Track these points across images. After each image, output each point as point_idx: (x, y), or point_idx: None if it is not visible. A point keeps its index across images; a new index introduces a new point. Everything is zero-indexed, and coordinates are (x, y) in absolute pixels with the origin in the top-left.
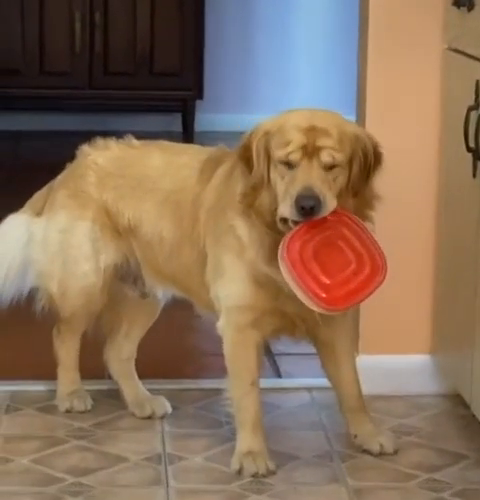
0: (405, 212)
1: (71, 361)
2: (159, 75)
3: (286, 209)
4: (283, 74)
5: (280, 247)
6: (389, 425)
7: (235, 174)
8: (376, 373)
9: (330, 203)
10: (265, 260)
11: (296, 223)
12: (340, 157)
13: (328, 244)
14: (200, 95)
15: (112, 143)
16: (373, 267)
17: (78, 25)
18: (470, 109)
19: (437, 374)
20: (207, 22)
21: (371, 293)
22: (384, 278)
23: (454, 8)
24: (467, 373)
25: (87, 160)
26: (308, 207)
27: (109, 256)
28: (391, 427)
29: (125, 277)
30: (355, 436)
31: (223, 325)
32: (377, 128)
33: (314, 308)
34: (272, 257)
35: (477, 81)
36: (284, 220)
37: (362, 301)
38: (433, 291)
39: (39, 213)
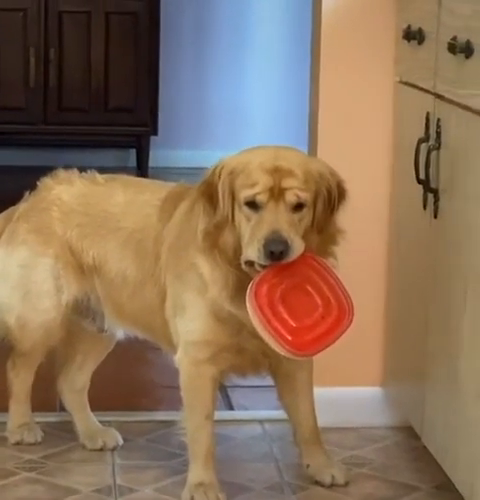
0: (357, 244)
1: (24, 394)
2: (114, 111)
3: (253, 253)
4: (238, 111)
5: (248, 290)
6: (341, 457)
7: (196, 210)
8: (328, 405)
9: (298, 246)
10: (229, 298)
11: (263, 266)
12: (305, 197)
13: (295, 288)
14: (155, 131)
15: (75, 177)
16: (340, 311)
17: (33, 60)
18: (420, 141)
19: (389, 406)
20: (162, 58)
21: (339, 337)
22: (351, 321)
23: (405, 42)
24: (418, 405)
25: (51, 195)
26: (277, 252)
27: (70, 293)
28: (343, 459)
29: (84, 313)
30: (307, 466)
31: (180, 358)
32: (329, 160)
33: (282, 352)
34: (236, 295)
35: (427, 113)
36: (250, 263)
37: (330, 345)
38: (384, 323)
39: None
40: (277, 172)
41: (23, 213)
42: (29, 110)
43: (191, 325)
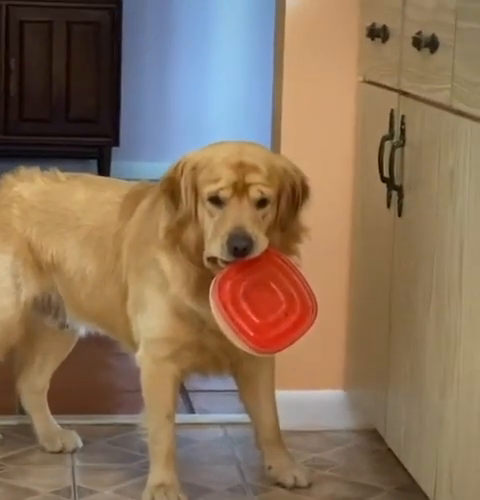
0: (320, 242)
1: None
2: (75, 121)
3: (217, 249)
4: (200, 122)
5: (211, 287)
6: (303, 459)
7: (157, 207)
8: (291, 408)
9: (262, 243)
10: (190, 295)
11: (226, 263)
12: (269, 193)
13: (259, 284)
14: (116, 142)
15: (37, 175)
16: (304, 308)
17: None
18: (384, 139)
19: (351, 409)
20: (123, 69)
21: (302, 334)
22: (314, 319)
23: (368, 40)
24: (381, 407)
25: (11, 192)
26: (241, 248)
27: (30, 291)
28: (305, 461)
29: (45, 309)
30: (269, 468)
31: (141, 357)
32: (292, 159)
33: (245, 349)
34: (197, 292)
35: (391, 111)
36: (213, 259)
37: (293, 342)
38: (347, 325)
39: None
40: (241, 167)
41: None
42: None
43: (151, 322)
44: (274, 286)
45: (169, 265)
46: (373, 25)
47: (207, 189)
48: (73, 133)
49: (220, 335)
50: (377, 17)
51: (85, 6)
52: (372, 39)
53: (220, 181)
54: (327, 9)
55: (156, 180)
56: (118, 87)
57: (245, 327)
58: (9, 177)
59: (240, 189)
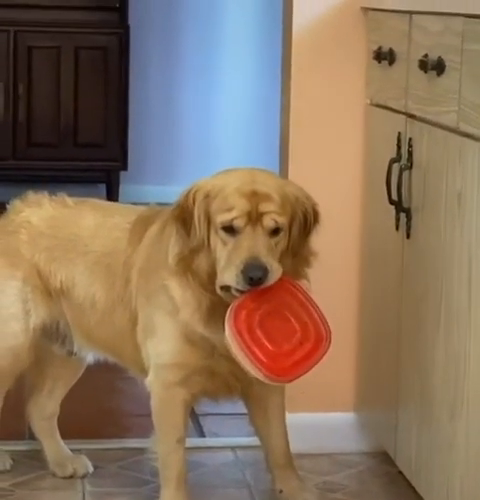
0: (329, 266)
1: None
2: (83, 146)
3: (231, 278)
4: (207, 146)
5: (227, 316)
6: (314, 482)
7: (166, 233)
8: (301, 431)
9: (276, 272)
10: (201, 321)
11: (240, 291)
12: (282, 221)
13: (274, 313)
14: (124, 166)
15: (45, 200)
16: (318, 336)
17: (1, 96)
18: (392, 161)
19: (362, 431)
20: (131, 93)
21: (317, 362)
22: (329, 347)
23: (375, 63)
24: (391, 430)
25: (20, 217)
26: (256, 278)
27: (39, 317)
28: (316, 484)
29: (53, 336)
30: (280, 491)
31: (151, 382)
32: (300, 183)
33: (260, 378)
34: (209, 318)
35: (399, 133)
36: (226, 287)
37: (308, 371)
38: (356, 348)
39: None
40: (254, 196)
41: None
42: None
43: (161, 347)
44: (288, 314)
45: (179, 291)
46: (380, 48)
47: (220, 218)
48: (81, 158)
49: (231, 360)
50: (384, 40)
51: (93, 31)
52: (379, 62)
53: (234, 210)
54: (334, 32)
55: (165, 204)
56: (126, 111)
57: (260, 356)
58: (17, 202)
59: (254, 218)
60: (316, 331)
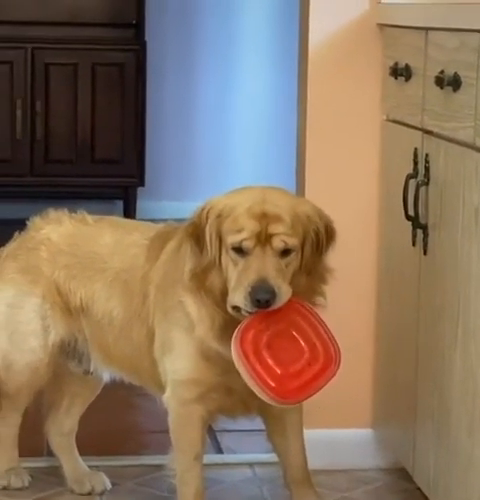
0: (346, 282)
1: (11, 438)
2: (100, 162)
3: (240, 299)
4: (224, 162)
5: (233, 336)
6: (332, 499)
7: (183, 249)
8: (319, 447)
9: (285, 293)
10: (216, 338)
11: (249, 312)
12: (293, 242)
13: (282, 334)
14: (141, 182)
15: (65, 218)
16: (327, 358)
17: (19, 113)
18: (409, 177)
19: (379, 448)
20: (148, 109)
21: (325, 385)
22: (337, 369)
23: (391, 78)
24: (409, 446)
25: (40, 234)
26: (263, 300)
27: (58, 334)
28: None
29: (70, 354)
30: None
31: (168, 398)
32: (317, 199)
33: (266, 400)
34: (223, 335)
35: (415, 149)
36: (236, 307)
37: (315, 393)
38: (374, 363)
39: None
40: (264, 217)
41: (11, 252)
42: (16, 162)
43: (178, 364)
44: (297, 335)
45: (195, 307)
46: (396, 64)
47: (231, 239)
48: (98, 174)
49: None
50: (400, 56)
51: (110, 48)
52: (395, 78)
53: (243, 232)
54: (350, 48)
55: (182, 220)
56: (143, 128)
57: (266, 378)
58: (37, 220)
59: (263, 239)
60: (325, 352)
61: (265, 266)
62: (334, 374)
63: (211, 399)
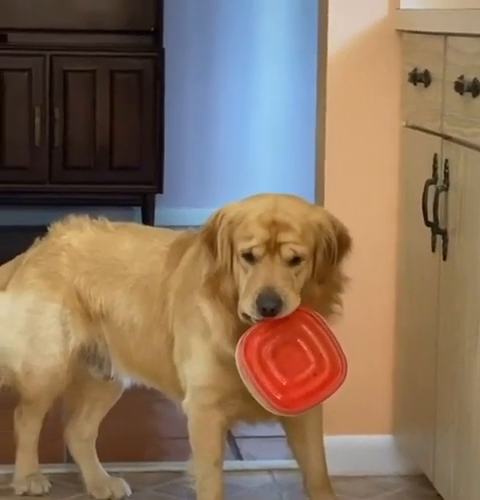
0: (365, 289)
1: (31, 444)
2: (119, 169)
3: (247, 307)
4: (243, 168)
5: (238, 344)
6: None
7: (201, 256)
8: (338, 453)
9: (292, 303)
10: (230, 343)
11: (257, 320)
12: (303, 251)
13: (288, 343)
14: (160, 189)
15: (86, 224)
16: (333, 368)
17: (38, 120)
18: (428, 183)
19: (399, 454)
20: (166, 116)
21: (330, 395)
22: (343, 380)
23: (410, 84)
24: (429, 452)
25: (61, 240)
26: (269, 309)
27: (78, 339)
28: None
29: (91, 360)
30: None
31: (188, 404)
32: (335, 206)
33: (269, 409)
34: (237, 340)
35: (435, 155)
36: (246, 315)
37: (319, 403)
38: (393, 369)
39: (3, 287)
40: (274, 225)
41: (32, 257)
42: (34, 169)
43: (196, 370)
44: (303, 345)
45: (210, 313)
46: (415, 70)
47: (241, 246)
48: (117, 181)
49: None
50: (419, 62)
51: (128, 55)
52: (414, 84)
53: (253, 239)
54: (369, 54)
55: (200, 227)
56: (161, 134)
57: (269, 387)
58: (58, 225)
59: (272, 247)
60: (332, 363)
61: (273, 274)
62: (340, 385)
63: (230, 405)
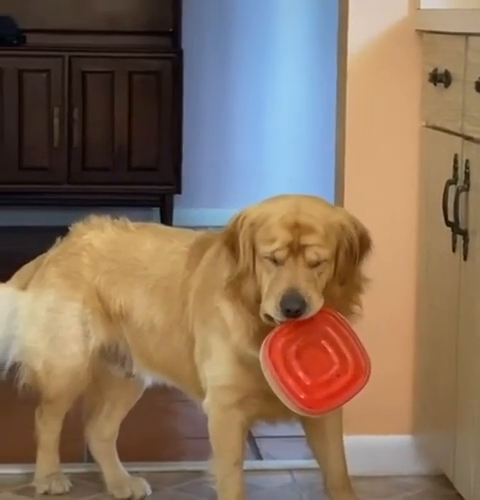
0: (384, 289)
1: (52, 443)
2: (137, 170)
3: (271, 308)
4: (261, 169)
5: (262, 345)
6: None
7: (221, 256)
8: (359, 453)
9: (316, 304)
10: (251, 345)
11: (280, 321)
12: (325, 253)
13: (312, 344)
14: (178, 190)
15: (107, 224)
16: (356, 369)
17: (56, 120)
18: (449, 183)
19: (419, 454)
20: (185, 117)
21: (353, 396)
22: (367, 381)
23: (431, 85)
24: (449, 452)
25: (82, 240)
26: (293, 310)
27: (98, 339)
28: None
29: (112, 358)
30: None
31: (208, 404)
32: (355, 206)
33: (293, 409)
34: (258, 342)
35: (455, 155)
36: (268, 316)
37: (343, 404)
38: (414, 369)
39: (25, 287)
40: (297, 228)
41: (53, 257)
42: (53, 170)
43: (217, 370)
44: (327, 346)
45: (231, 314)
46: (435, 70)
47: (263, 248)
48: (135, 181)
49: None
50: (439, 62)
51: (146, 56)
52: (434, 84)
53: (276, 242)
54: (389, 55)
55: (219, 227)
56: (179, 135)
57: (294, 387)
58: (79, 225)
59: (295, 250)
60: (355, 364)
61: (296, 276)
62: (363, 386)
63: (251, 404)
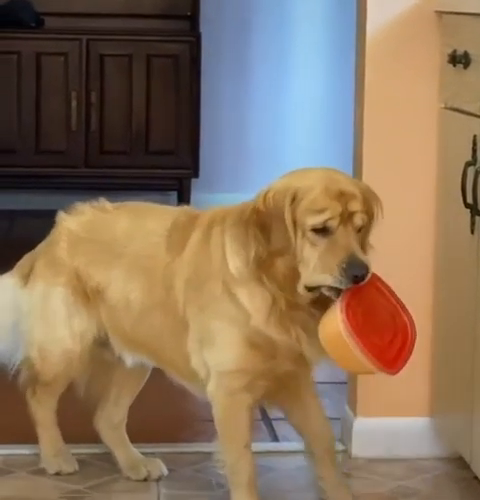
0: (402, 270)
1: (49, 420)
2: (155, 154)
3: (327, 278)
4: (278, 153)
5: (338, 316)
6: (388, 487)
7: (213, 242)
8: (375, 436)
9: (371, 268)
10: (273, 324)
11: (334, 290)
12: (366, 218)
13: (369, 309)
14: (196, 174)
15: (87, 207)
16: (404, 326)
17: (74, 104)
18: (467, 164)
19: (437, 436)
20: (202, 101)
21: (412, 350)
22: (416, 334)
23: (450, 66)
24: (467, 434)
25: (61, 227)
26: (361, 275)
27: (83, 321)
28: (390, 489)
29: (105, 344)
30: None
31: (213, 390)
32: (374, 187)
33: (375, 371)
34: (281, 320)
35: (474, 136)
36: (311, 288)
37: (408, 360)
38: (431, 352)
39: (26, 277)
40: (342, 196)
41: (41, 249)
42: (71, 153)
43: (222, 355)
44: (380, 309)
45: (248, 298)
46: (454, 51)
47: (311, 220)
48: (153, 165)
49: (292, 360)
50: (458, 44)
51: (164, 39)
52: (454, 65)
53: (326, 212)
54: (408, 36)
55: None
56: (197, 119)
57: (374, 352)
58: (62, 213)
59: (345, 218)
60: (402, 322)
61: (352, 243)
62: (415, 339)
63: (258, 386)
